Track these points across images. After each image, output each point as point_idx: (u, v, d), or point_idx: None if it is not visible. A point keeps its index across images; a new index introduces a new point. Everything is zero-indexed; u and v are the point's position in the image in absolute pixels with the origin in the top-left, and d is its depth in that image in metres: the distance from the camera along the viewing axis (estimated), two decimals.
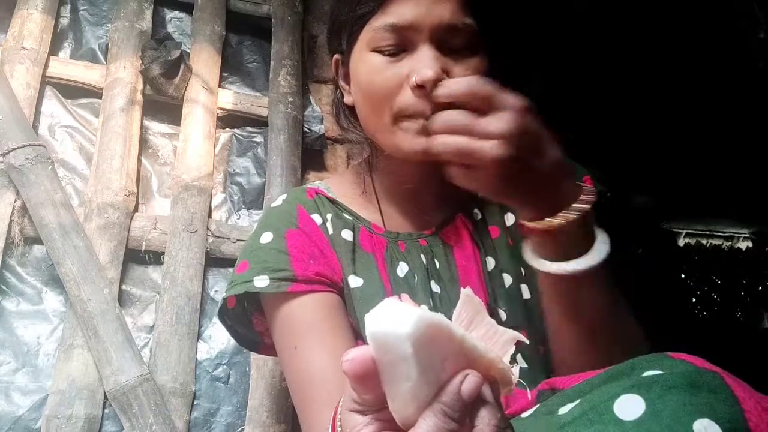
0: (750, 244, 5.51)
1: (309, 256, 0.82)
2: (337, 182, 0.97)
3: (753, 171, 3.76)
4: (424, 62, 0.74)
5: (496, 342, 0.44)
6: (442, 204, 0.91)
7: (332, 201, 0.91)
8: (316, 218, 0.88)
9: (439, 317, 0.38)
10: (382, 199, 0.91)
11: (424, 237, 0.88)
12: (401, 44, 0.77)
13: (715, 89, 2.87)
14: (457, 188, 0.91)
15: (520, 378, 0.77)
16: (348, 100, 0.89)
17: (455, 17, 0.76)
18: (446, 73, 0.75)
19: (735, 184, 4.08)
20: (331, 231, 0.86)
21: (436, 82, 0.72)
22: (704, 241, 5.60)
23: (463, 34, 0.77)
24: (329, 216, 0.88)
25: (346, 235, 0.86)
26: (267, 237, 0.84)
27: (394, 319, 0.37)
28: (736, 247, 5.60)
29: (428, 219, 0.90)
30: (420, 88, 0.73)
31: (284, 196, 0.93)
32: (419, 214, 0.90)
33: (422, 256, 0.86)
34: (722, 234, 5.65)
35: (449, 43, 0.77)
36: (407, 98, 0.75)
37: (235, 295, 0.84)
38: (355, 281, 0.83)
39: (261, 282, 0.79)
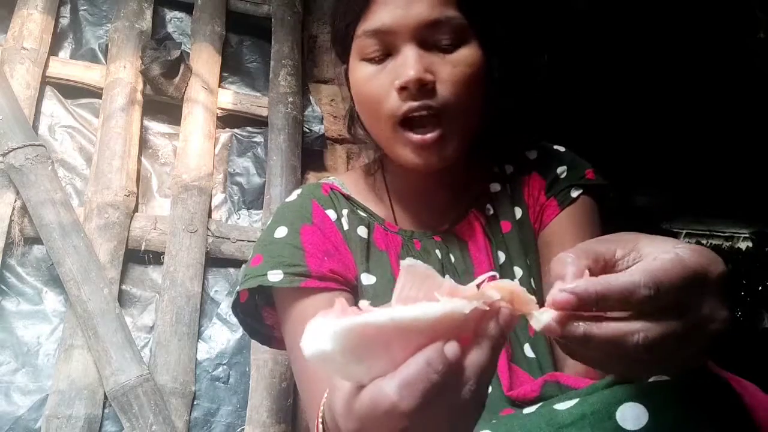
0: (750, 244, 5.50)
1: (324, 253, 0.82)
2: (350, 179, 0.97)
3: (753, 171, 3.75)
4: (406, 63, 0.73)
5: (467, 288, 0.41)
6: (456, 200, 0.90)
7: (347, 197, 0.91)
8: (331, 214, 0.87)
9: (355, 318, 0.38)
10: (396, 197, 0.91)
11: (439, 233, 0.88)
12: (385, 49, 0.76)
13: (715, 89, 2.87)
14: (469, 184, 0.91)
15: (527, 369, 0.76)
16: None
17: (435, 12, 0.74)
18: (431, 72, 0.73)
19: (735, 184, 4.08)
20: (346, 227, 0.86)
21: (419, 82, 0.71)
22: (704, 241, 5.59)
23: (447, 28, 0.75)
24: (345, 212, 0.88)
25: (361, 231, 0.86)
26: (281, 231, 0.84)
27: (314, 340, 0.38)
28: (736, 247, 5.59)
29: (442, 216, 0.90)
30: (404, 90, 0.72)
31: (299, 191, 0.93)
32: (433, 212, 0.90)
33: (437, 251, 0.86)
34: (722, 234, 5.64)
35: (434, 39, 0.75)
36: (395, 102, 0.74)
37: (248, 289, 0.84)
38: (367, 279, 0.83)
39: (275, 276, 0.79)
